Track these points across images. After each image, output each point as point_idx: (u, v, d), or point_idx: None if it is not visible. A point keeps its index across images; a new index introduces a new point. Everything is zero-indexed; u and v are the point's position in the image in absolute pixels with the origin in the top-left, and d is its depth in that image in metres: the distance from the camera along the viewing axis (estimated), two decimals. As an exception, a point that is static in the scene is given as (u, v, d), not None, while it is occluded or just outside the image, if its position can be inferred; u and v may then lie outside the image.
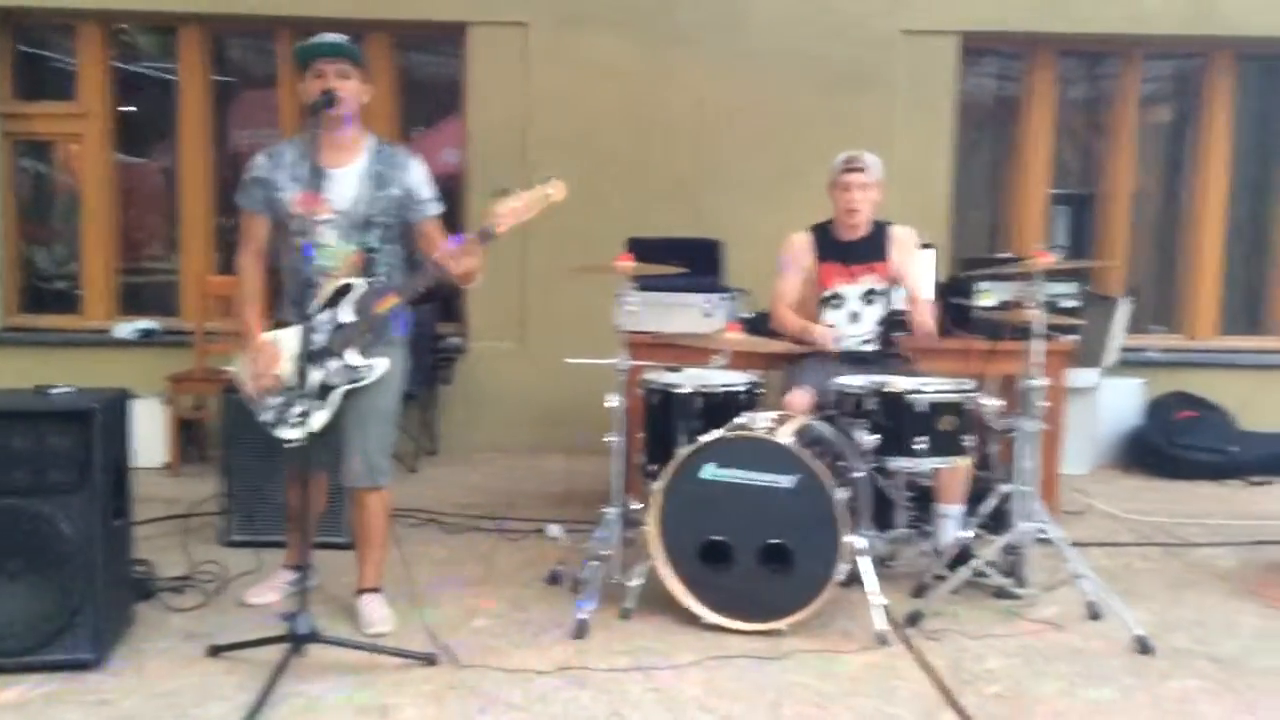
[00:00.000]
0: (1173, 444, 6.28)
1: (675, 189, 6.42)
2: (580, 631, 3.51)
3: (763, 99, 6.46)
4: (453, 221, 4.15)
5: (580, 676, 3.20)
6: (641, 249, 4.28)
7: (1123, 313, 5.99)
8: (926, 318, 4.35)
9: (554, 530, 4.59)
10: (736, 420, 3.83)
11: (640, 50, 6.47)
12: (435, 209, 3.60)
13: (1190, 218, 6.92)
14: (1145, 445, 6.39)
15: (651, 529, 3.65)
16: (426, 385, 6.22)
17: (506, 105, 6.46)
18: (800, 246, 4.53)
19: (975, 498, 4.25)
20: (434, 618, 3.61)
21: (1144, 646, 3.48)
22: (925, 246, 4.98)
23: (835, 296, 4.46)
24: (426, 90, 7.07)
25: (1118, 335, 6.00)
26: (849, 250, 4.46)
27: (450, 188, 6.08)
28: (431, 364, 6.27)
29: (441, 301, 6.54)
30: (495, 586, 4.03)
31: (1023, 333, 3.95)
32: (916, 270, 4.54)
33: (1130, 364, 6.39)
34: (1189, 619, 3.83)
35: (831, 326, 4.44)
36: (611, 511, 3.85)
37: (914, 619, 3.68)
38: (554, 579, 4.07)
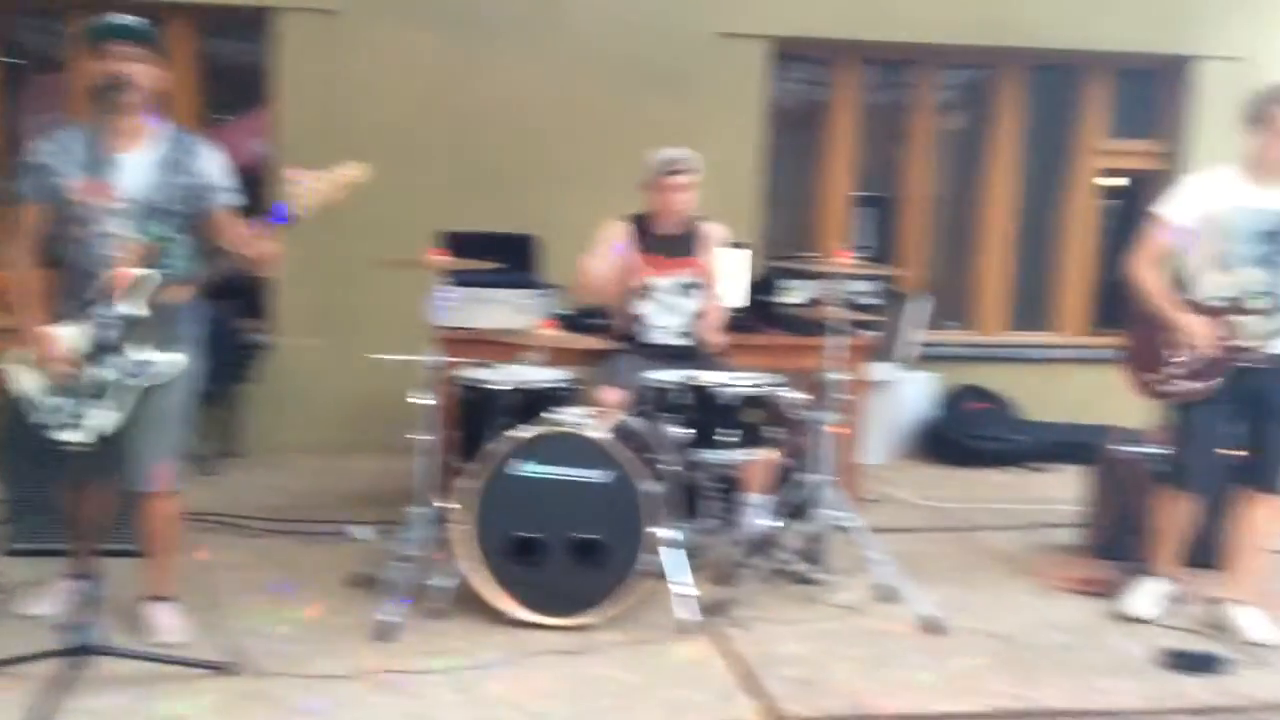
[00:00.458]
0: (964, 434, 6.63)
1: (490, 182, 6.37)
2: (386, 634, 3.45)
3: (576, 94, 6.47)
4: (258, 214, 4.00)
5: (385, 681, 3.15)
6: (455, 243, 4.25)
7: (919, 310, 6.30)
8: (719, 321, 4.50)
9: (361, 532, 4.49)
10: (549, 416, 3.83)
11: (453, 42, 6.39)
12: (231, 199, 3.45)
13: (981, 220, 7.31)
14: (939, 435, 6.72)
15: (462, 527, 3.62)
16: (228, 383, 5.98)
17: (315, 95, 6.27)
18: (614, 233, 4.53)
19: (780, 488, 4.38)
20: (232, 625, 3.48)
21: (934, 627, 3.67)
22: (738, 246, 5.11)
23: (650, 289, 4.51)
24: (232, 78, 6.79)
25: (915, 331, 6.30)
26: (666, 244, 4.52)
27: (257, 179, 5.86)
28: (233, 361, 6.03)
29: (245, 296, 6.30)
30: (299, 591, 3.91)
31: (826, 329, 4.09)
32: (719, 270, 4.64)
33: (926, 358, 6.69)
34: (976, 599, 4.05)
35: (639, 319, 4.49)
36: (420, 511, 3.79)
37: (720, 608, 3.76)
38: (360, 582, 3.97)
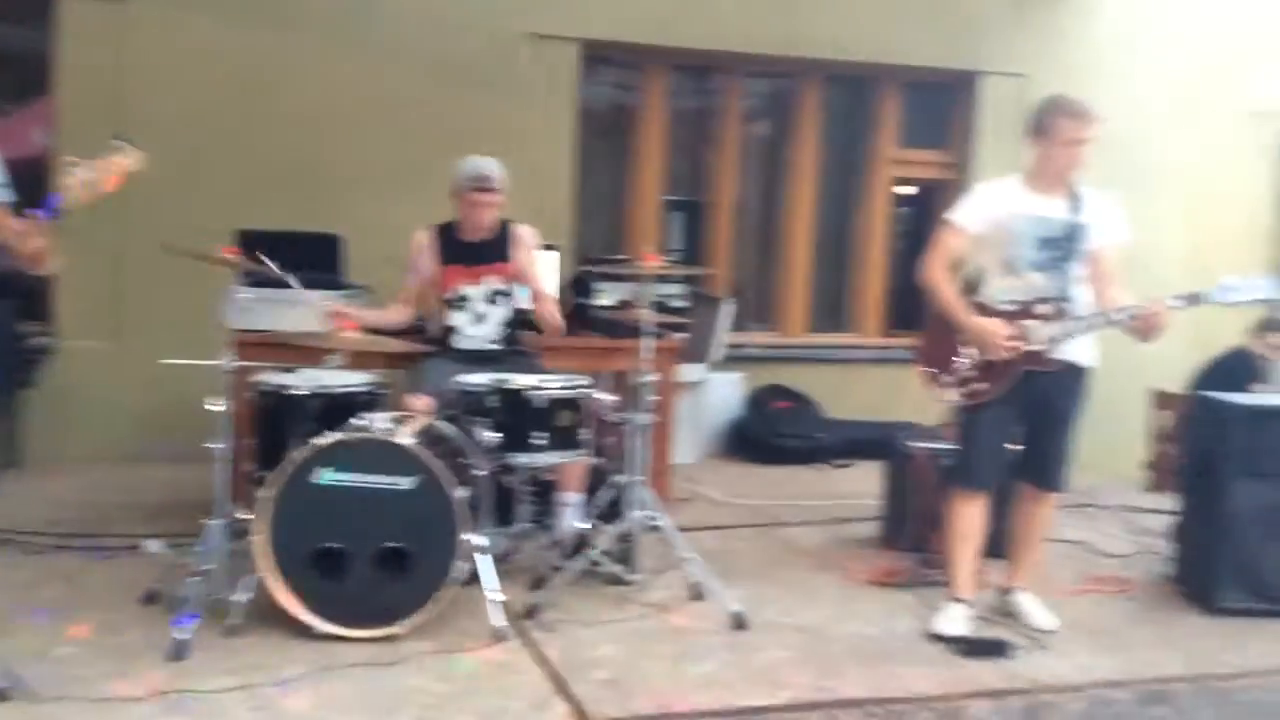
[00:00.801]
0: (770, 432, 6.82)
1: (291, 179, 6.15)
2: (179, 653, 3.28)
3: (385, 91, 6.32)
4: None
5: (178, 701, 3.00)
6: (252, 241, 4.07)
7: (726, 312, 6.44)
8: (554, 313, 4.50)
9: (152, 546, 4.25)
10: (354, 422, 3.73)
11: (250, 31, 6.14)
12: (2, 195, 3.21)
13: (785, 226, 7.53)
14: (746, 434, 6.89)
15: (260, 539, 3.48)
16: (5, 390, 5.56)
17: (101, 84, 5.91)
18: (419, 245, 4.49)
19: (593, 489, 4.41)
20: (7, 648, 3.23)
21: (740, 622, 3.75)
22: (548, 248, 5.10)
23: (461, 298, 4.46)
24: (11, 66, 6.35)
25: (722, 333, 6.45)
26: (473, 251, 4.48)
27: (39, 172, 5.47)
28: (11, 365, 5.61)
29: (23, 296, 5.88)
30: (83, 610, 3.66)
31: (636, 331, 4.13)
32: (538, 269, 4.65)
33: (733, 359, 6.86)
34: (780, 594, 4.17)
35: (453, 330, 4.45)
36: (215, 523, 3.62)
37: (532, 612, 3.75)
38: (151, 598, 3.76)
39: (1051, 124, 3.75)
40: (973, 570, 3.93)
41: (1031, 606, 3.97)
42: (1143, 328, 3.67)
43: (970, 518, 3.90)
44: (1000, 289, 3.84)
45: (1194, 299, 3.68)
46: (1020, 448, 3.96)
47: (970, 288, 3.98)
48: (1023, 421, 3.90)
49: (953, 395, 3.92)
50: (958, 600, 3.88)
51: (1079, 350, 3.83)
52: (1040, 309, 3.76)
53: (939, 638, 3.76)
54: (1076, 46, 7.38)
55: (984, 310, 3.82)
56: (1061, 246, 3.76)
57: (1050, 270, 3.77)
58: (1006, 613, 4.00)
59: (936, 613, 3.88)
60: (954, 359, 3.87)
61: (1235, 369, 5.54)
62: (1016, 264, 3.79)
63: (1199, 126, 7.73)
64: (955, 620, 3.81)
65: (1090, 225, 3.78)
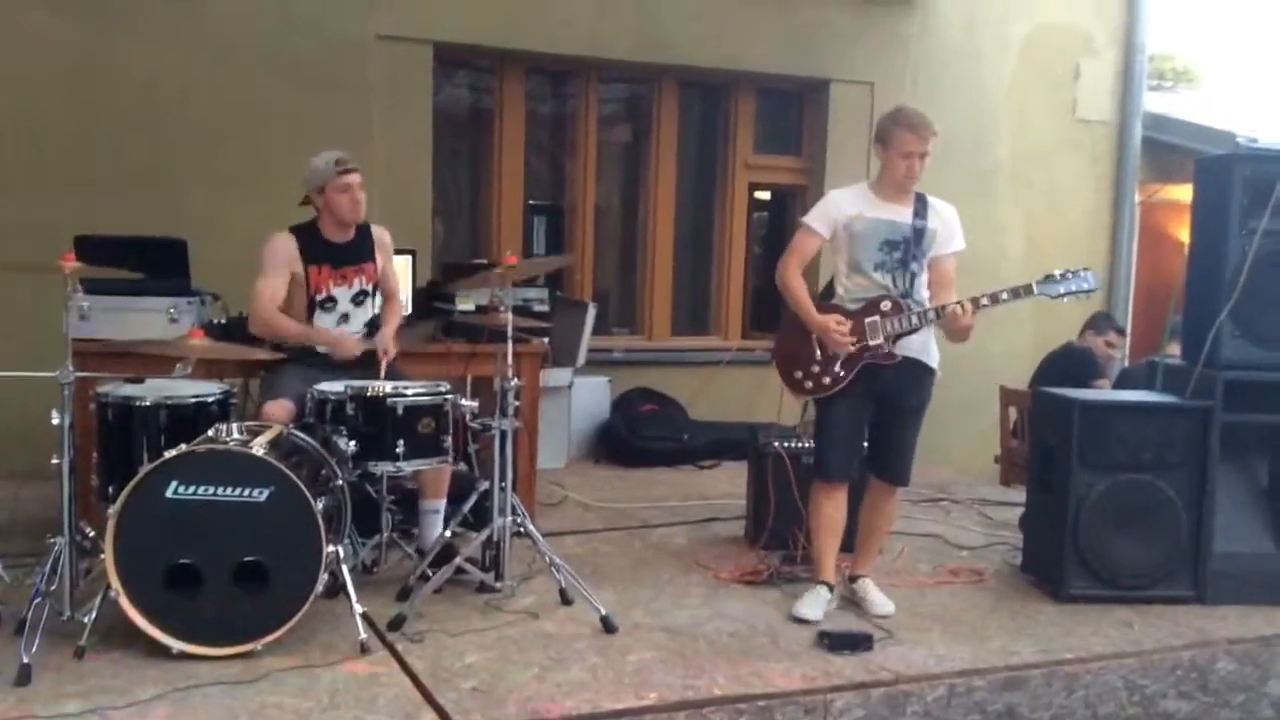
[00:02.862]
0: (636, 435, 6.85)
1: (130, 181, 5.89)
2: (23, 678, 3.11)
3: (222, 90, 6.10)
4: None
5: (22, 729, 2.84)
6: (91, 247, 3.88)
7: (589, 316, 6.45)
8: (396, 320, 4.47)
9: (-9, 567, 4.01)
10: (206, 433, 3.59)
11: (79, 24, 5.85)
12: None
13: (645, 229, 7.59)
14: (613, 437, 6.90)
15: (108, 557, 3.32)
16: None
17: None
18: (284, 248, 4.32)
19: (459, 497, 4.35)
20: None
21: (608, 626, 3.76)
22: (402, 252, 5.01)
23: (329, 299, 4.33)
24: None
25: (586, 337, 6.45)
26: (339, 252, 4.36)
27: None
28: None
29: None
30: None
31: (499, 335, 4.10)
32: (394, 272, 4.58)
33: (597, 363, 6.87)
34: (647, 596, 4.19)
35: (358, 334, 4.35)
36: (59, 541, 3.44)
37: (397, 623, 3.68)
38: (-9, 623, 3.56)
39: (891, 135, 3.95)
40: (834, 556, 4.11)
41: (872, 593, 4.14)
42: (949, 327, 3.92)
43: (827, 507, 4.07)
44: (848, 288, 4.02)
45: (1015, 293, 3.93)
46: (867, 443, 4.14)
47: (825, 289, 4.12)
48: (873, 415, 4.06)
49: (805, 392, 4.07)
50: (820, 583, 4.07)
51: (922, 348, 4.03)
52: (883, 306, 3.94)
53: (801, 621, 3.91)
54: (919, 55, 7.66)
55: (834, 310, 3.99)
56: (903, 249, 3.96)
57: (893, 271, 3.96)
58: (851, 600, 4.15)
59: (799, 597, 4.04)
60: (805, 357, 4.01)
61: (1069, 365, 5.83)
62: (862, 264, 3.98)
63: (1035, 131, 8.11)
64: (816, 604, 4.00)
65: (932, 230, 4.00)
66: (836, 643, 3.69)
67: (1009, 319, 6.53)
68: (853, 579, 4.20)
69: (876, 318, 3.93)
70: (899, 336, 3.93)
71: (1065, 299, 4.03)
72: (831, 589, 4.08)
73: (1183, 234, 6.54)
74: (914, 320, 3.91)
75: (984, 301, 3.90)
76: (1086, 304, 4.92)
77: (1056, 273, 4.00)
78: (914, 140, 3.90)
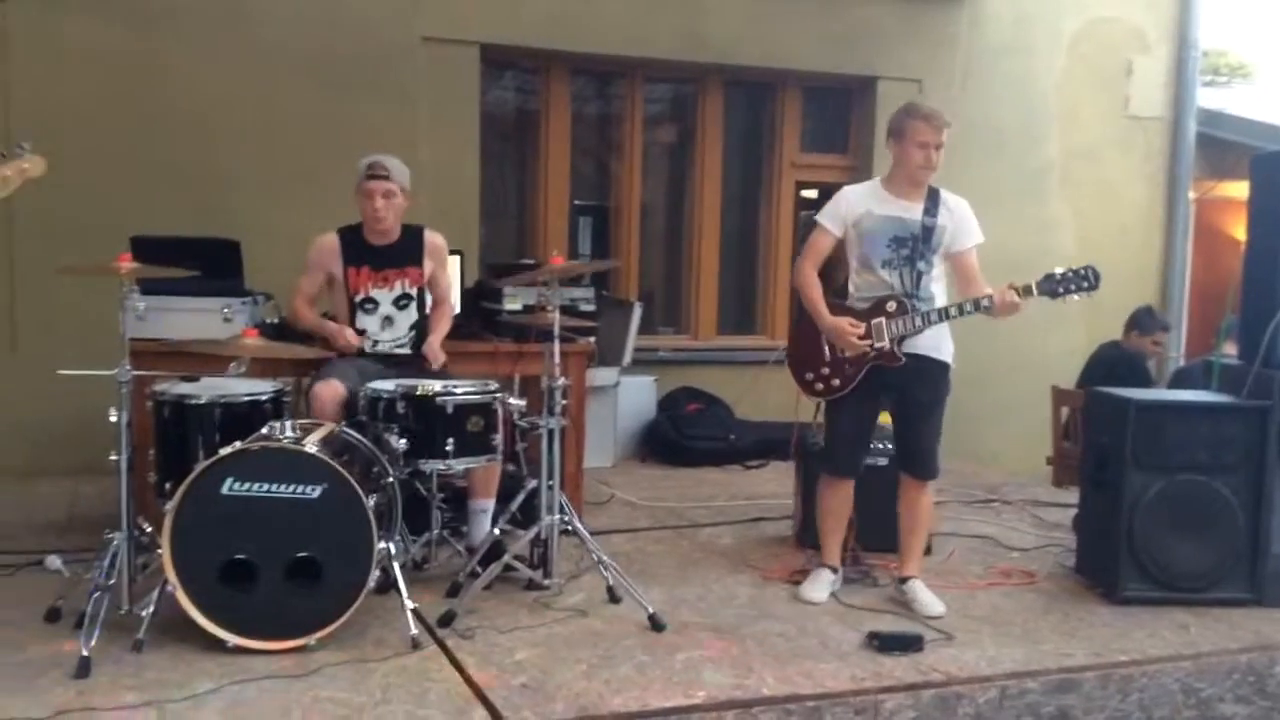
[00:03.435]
0: (682, 434, 6.85)
1: (182, 184, 5.99)
2: (83, 670, 3.17)
3: (270, 94, 6.19)
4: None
5: (82, 719, 2.89)
6: (146, 248, 3.95)
7: (635, 316, 6.46)
8: (445, 326, 4.51)
9: (54, 561, 4.08)
10: (260, 431, 3.64)
11: (132, 35, 5.98)
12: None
13: (692, 228, 7.58)
14: (659, 437, 6.91)
15: (165, 552, 3.37)
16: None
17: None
18: (326, 249, 4.41)
19: (506, 495, 4.38)
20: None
21: (656, 624, 3.76)
22: (454, 253, 5.05)
23: (369, 301, 4.40)
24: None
25: (632, 337, 6.45)
26: (381, 254, 4.41)
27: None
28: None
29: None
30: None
31: (546, 335, 4.12)
32: (447, 278, 4.62)
33: (643, 363, 6.88)
34: (694, 595, 4.19)
35: (363, 332, 4.38)
36: (118, 537, 3.51)
37: (447, 619, 3.70)
38: (53, 615, 3.63)
39: (905, 126, 3.94)
40: (838, 541, 4.25)
41: (922, 594, 4.11)
42: (999, 307, 3.89)
43: (831, 499, 4.20)
44: (858, 285, 4.04)
45: (1026, 290, 3.91)
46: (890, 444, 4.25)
47: (838, 288, 4.16)
48: (886, 412, 4.13)
49: (815, 393, 4.11)
50: (824, 566, 4.21)
51: (933, 344, 4.02)
52: (888, 307, 3.95)
53: (806, 602, 4.06)
54: (968, 51, 7.59)
55: (845, 309, 4.01)
56: (910, 246, 3.96)
57: (900, 268, 3.97)
58: (902, 604, 4.12)
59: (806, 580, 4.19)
60: (816, 356, 4.06)
61: (1116, 366, 5.74)
62: (870, 261, 3.99)
63: (1086, 128, 8.01)
64: (821, 586, 4.14)
65: (943, 227, 3.98)
66: (886, 643, 3.66)
67: (1061, 318, 6.45)
68: (902, 580, 4.17)
69: (882, 319, 3.95)
70: (903, 339, 3.94)
71: (1066, 299, 3.97)
72: (835, 571, 4.22)
73: (1238, 231, 6.44)
74: (918, 323, 3.92)
75: (968, 309, 3.91)
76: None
77: (1057, 272, 3.95)
78: (928, 130, 3.90)
